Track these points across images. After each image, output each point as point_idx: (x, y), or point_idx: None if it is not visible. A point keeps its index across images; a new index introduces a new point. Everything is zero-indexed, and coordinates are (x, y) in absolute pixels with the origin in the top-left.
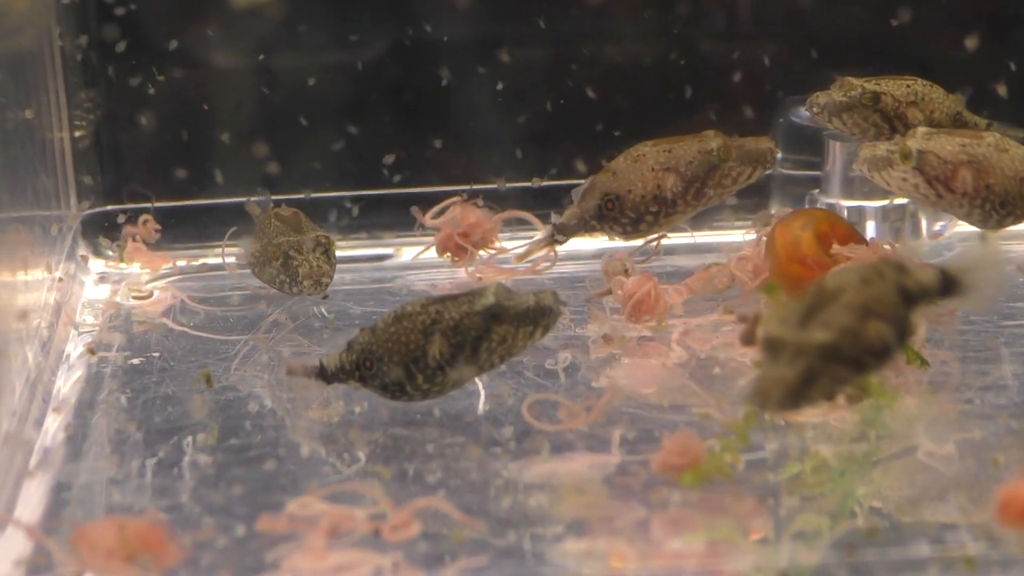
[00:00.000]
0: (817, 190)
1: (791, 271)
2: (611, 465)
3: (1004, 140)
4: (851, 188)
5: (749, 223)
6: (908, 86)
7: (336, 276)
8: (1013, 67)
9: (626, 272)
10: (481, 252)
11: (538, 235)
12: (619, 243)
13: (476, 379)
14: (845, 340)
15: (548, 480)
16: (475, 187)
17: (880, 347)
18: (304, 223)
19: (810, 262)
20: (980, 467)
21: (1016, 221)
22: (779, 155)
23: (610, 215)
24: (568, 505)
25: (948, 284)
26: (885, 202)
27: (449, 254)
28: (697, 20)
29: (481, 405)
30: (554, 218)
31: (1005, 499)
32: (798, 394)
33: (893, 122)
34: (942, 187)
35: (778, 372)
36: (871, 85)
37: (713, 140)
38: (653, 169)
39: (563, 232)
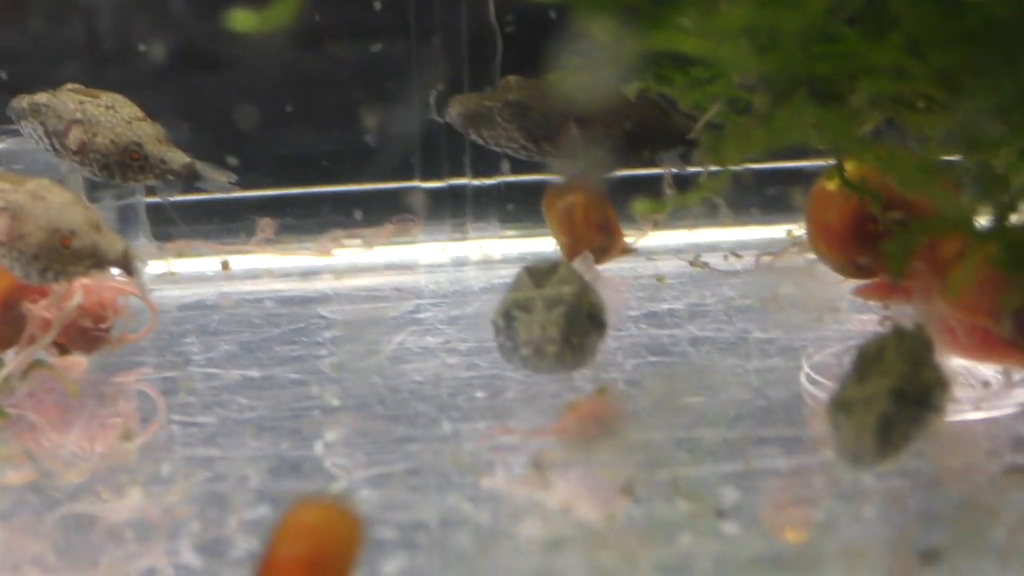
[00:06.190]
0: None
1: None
2: None
3: (44, 187)
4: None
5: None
6: (82, 102)
7: None
8: None
9: None
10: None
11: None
12: None
13: None
14: None
15: None
16: None
17: None
18: None
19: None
20: None
21: (59, 278)
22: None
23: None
24: None
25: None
26: (123, 201)
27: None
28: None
29: None
30: None
31: None
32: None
33: (51, 139)
34: None
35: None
36: (48, 96)
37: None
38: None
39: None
